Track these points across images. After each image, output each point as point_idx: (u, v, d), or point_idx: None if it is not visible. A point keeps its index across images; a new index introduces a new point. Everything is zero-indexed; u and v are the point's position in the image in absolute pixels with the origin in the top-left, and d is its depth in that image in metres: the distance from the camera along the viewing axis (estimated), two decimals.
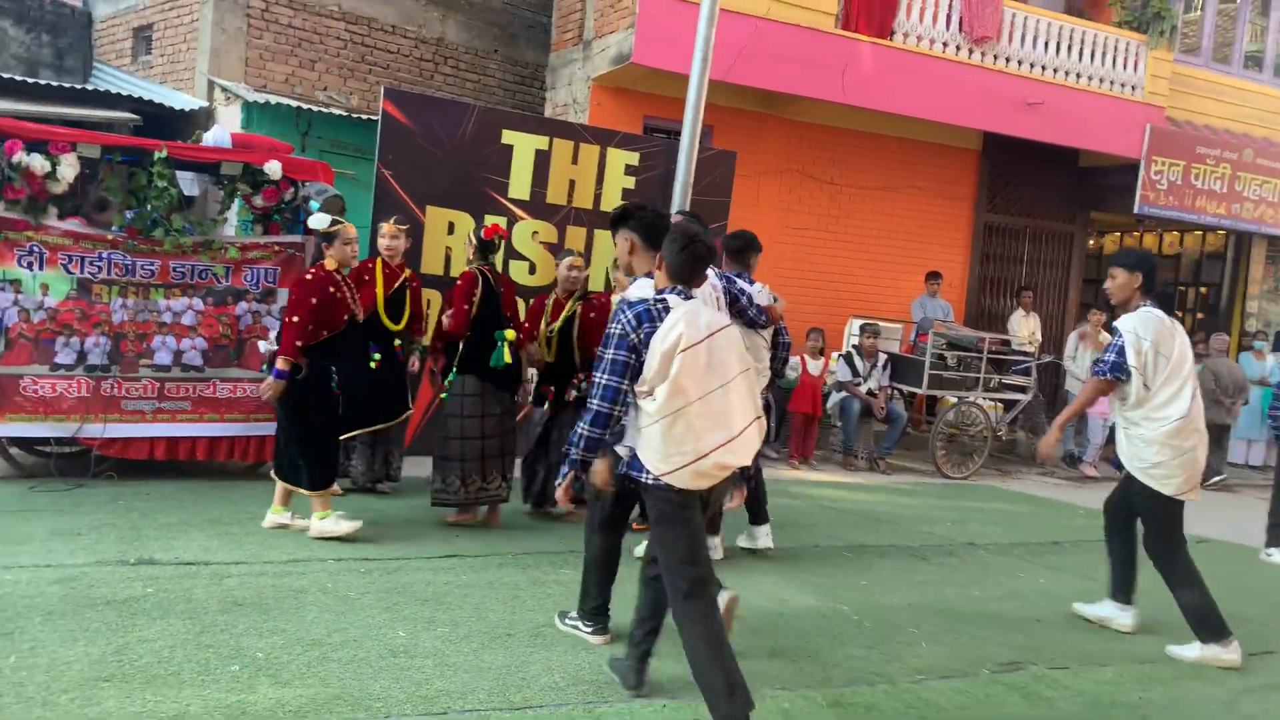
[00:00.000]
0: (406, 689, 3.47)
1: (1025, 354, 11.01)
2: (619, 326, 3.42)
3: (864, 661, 4.21)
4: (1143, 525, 4.89)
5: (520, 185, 7.95)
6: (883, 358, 9.68)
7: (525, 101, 11.92)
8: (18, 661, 3.39)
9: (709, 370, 3.30)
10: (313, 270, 5.30)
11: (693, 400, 3.27)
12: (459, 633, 4.05)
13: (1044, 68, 11.37)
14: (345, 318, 5.33)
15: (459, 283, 5.81)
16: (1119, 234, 14.93)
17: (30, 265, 5.84)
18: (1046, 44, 11.39)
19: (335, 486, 5.69)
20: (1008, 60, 11.18)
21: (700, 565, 3.38)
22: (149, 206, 6.03)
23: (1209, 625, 4.64)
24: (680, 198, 8.22)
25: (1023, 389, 10.48)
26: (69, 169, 5.73)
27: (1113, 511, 5.11)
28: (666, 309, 3.39)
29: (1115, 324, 4.87)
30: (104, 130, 8.54)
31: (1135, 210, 12.04)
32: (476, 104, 9.04)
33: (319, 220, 5.28)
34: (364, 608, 4.24)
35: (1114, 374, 4.77)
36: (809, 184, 11.43)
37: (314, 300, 5.11)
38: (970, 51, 10.98)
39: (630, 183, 8.43)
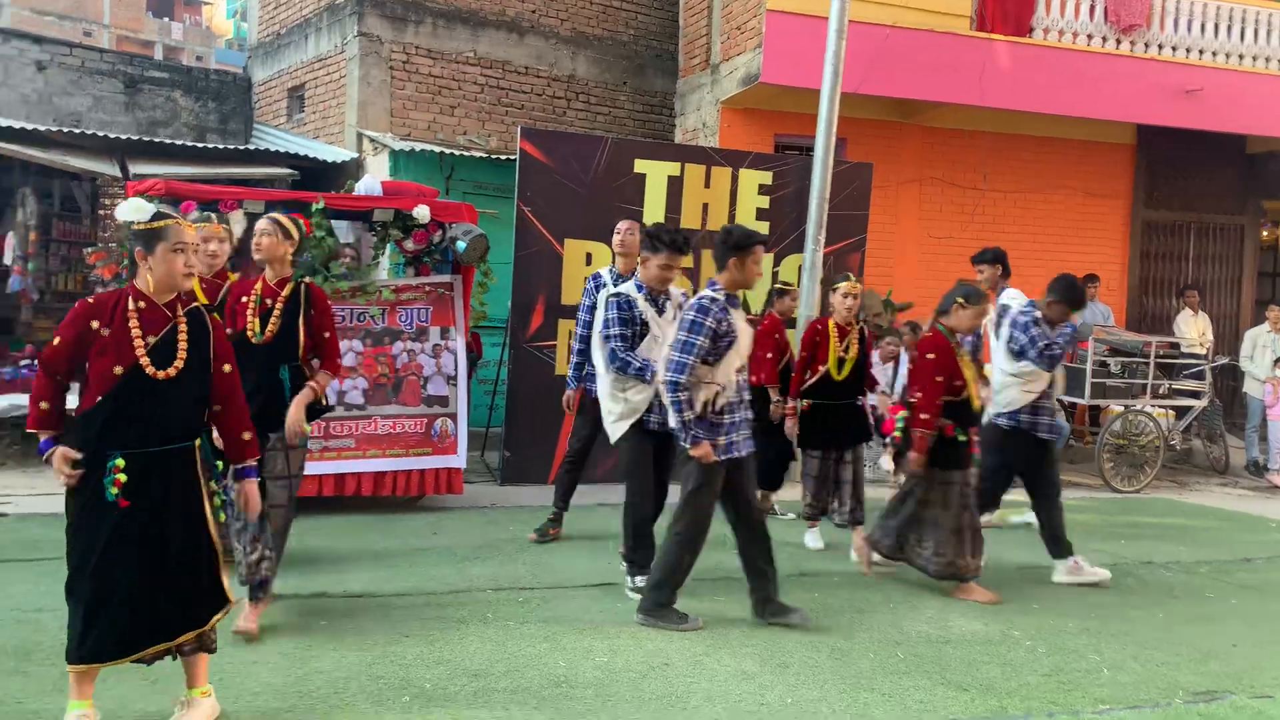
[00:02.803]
0: (570, 719, 3.49)
1: (1196, 356, 10.30)
2: None
3: (1041, 690, 3.99)
4: None
5: (654, 212, 8.03)
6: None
7: (655, 129, 12.05)
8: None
9: None
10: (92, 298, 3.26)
11: None
12: (618, 662, 4.06)
13: (1201, 52, 10.71)
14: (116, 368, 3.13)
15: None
16: None
17: None
18: (1203, 26, 10.73)
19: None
20: (1160, 47, 10.59)
21: None
22: (309, 255, 6.36)
23: None
24: (816, 214, 8.12)
25: (1196, 394, 9.81)
26: (237, 225, 6.12)
27: None
28: None
29: None
30: (266, 186, 9.11)
31: None
32: (609, 136, 9.20)
33: (132, 209, 3.25)
34: (524, 637, 4.30)
35: None
36: (950, 191, 11.09)
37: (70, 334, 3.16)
38: (1118, 42, 10.45)
39: (764, 202, 8.41)
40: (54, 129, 9.72)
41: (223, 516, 3.35)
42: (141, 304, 3.16)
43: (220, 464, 3.37)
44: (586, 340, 5.64)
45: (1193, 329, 11.07)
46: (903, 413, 5.32)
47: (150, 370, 3.10)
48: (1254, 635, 4.83)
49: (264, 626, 4.23)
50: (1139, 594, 5.52)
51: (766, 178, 8.40)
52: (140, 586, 3.11)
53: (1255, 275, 12.61)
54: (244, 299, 4.35)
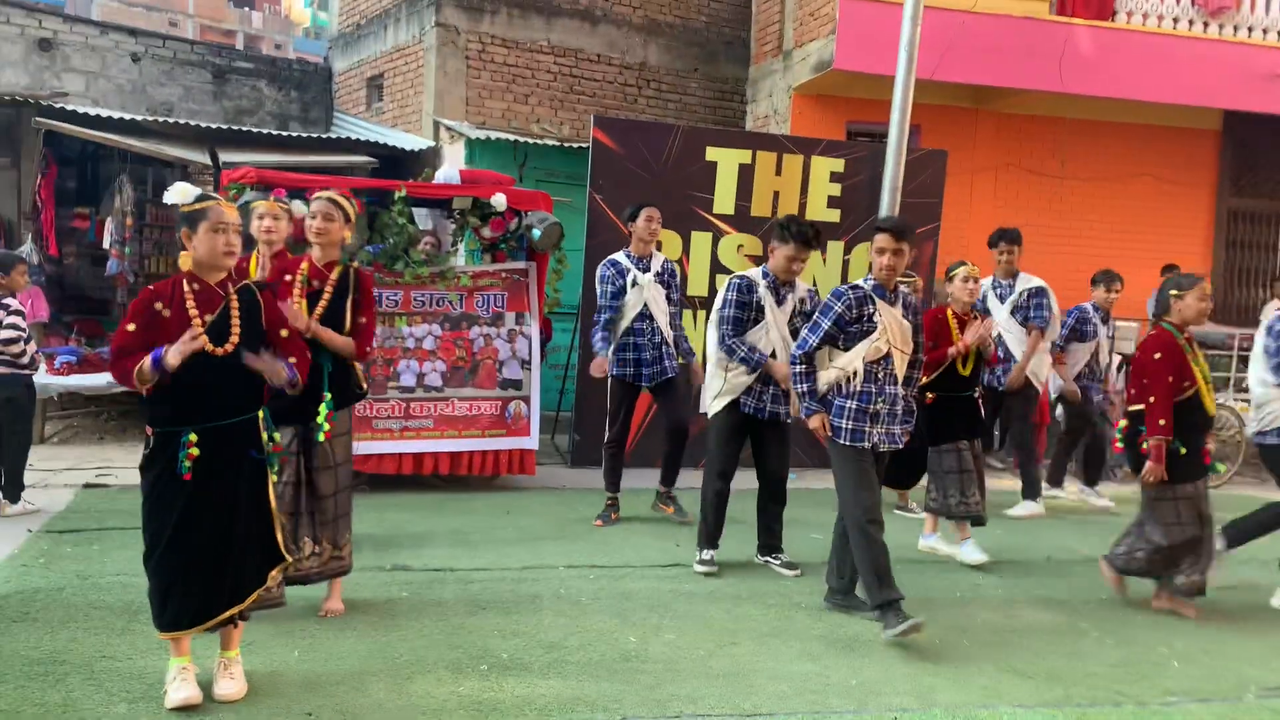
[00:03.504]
0: (640, 692, 3.63)
1: None
2: None
3: (1107, 680, 4.00)
4: None
5: (725, 200, 8.09)
6: (1117, 359, 9.08)
7: (726, 117, 12.08)
8: (300, 655, 3.81)
9: None
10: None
11: None
12: (686, 639, 4.18)
13: None
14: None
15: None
16: None
17: None
18: None
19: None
20: (1250, 30, 10.26)
21: None
22: (391, 241, 6.59)
23: None
24: (889, 201, 8.09)
25: None
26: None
27: None
28: None
29: None
30: (345, 173, 9.40)
31: None
32: (680, 124, 9.27)
33: (178, 193, 3.41)
34: (596, 613, 4.45)
35: None
36: (1027, 178, 10.91)
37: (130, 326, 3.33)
38: (1205, 25, 10.16)
39: (836, 190, 8.40)
40: (148, 118, 10.15)
41: (274, 478, 3.51)
42: (195, 285, 3.34)
43: (277, 435, 3.55)
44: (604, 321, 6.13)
45: None
46: (1124, 422, 5.04)
47: (210, 348, 3.28)
48: None
49: (351, 596, 4.44)
50: (1216, 589, 5.45)
51: (838, 165, 8.40)
52: (213, 557, 3.32)
53: None
54: (288, 278, 4.13)
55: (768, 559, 5.38)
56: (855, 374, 4.39)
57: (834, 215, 8.33)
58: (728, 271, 7.85)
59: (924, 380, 5.66)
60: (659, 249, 6.41)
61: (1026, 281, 7.23)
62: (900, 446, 4.56)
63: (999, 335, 6.90)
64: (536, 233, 6.80)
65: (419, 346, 6.68)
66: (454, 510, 6.27)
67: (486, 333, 6.83)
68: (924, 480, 6.67)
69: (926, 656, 4.14)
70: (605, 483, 6.27)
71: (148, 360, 3.20)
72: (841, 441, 4.42)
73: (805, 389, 4.49)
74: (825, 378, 4.46)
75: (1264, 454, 5.50)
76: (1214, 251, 11.55)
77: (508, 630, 4.17)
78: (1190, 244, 11.39)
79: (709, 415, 5.32)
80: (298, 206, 6.30)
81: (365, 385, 4.39)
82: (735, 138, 8.69)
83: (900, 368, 4.47)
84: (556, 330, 8.48)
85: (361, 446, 6.47)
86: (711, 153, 8.13)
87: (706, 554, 5.20)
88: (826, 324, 4.43)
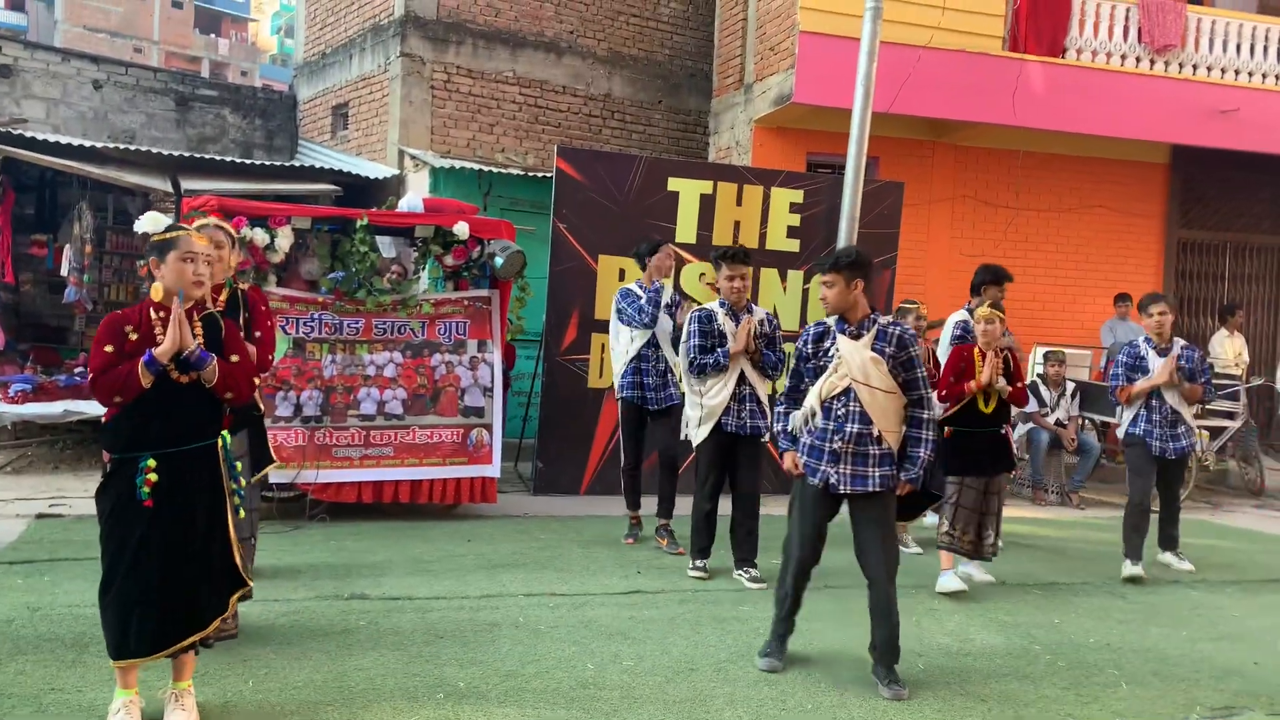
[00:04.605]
0: (597, 719, 3.63)
1: (1232, 377, 10.26)
2: None
3: (1059, 703, 4.06)
4: None
5: (687, 229, 8.19)
6: (1070, 386, 9.26)
7: (689, 148, 12.23)
8: (254, 685, 3.78)
9: None
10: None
11: None
12: (644, 666, 4.19)
13: (1236, 72, 10.71)
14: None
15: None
16: None
17: None
18: (1238, 47, 10.73)
19: None
20: (1195, 68, 10.61)
21: None
22: (353, 270, 6.60)
23: None
24: (847, 232, 8.23)
25: (1231, 414, 9.76)
26: (285, 240, 6.36)
27: None
28: None
29: None
30: (309, 202, 9.40)
31: None
32: (643, 155, 9.38)
33: (149, 221, 3.62)
34: (554, 640, 4.45)
35: None
36: (983, 210, 11.15)
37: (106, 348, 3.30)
38: (1152, 62, 10.48)
39: (795, 220, 8.53)
40: (109, 145, 10.09)
41: (242, 513, 3.55)
42: (161, 313, 3.35)
43: (239, 464, 3.58)
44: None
45: (1229, 349, 11.00)
46: None
47: (174, 375, 3.30)
48: (1276, 655, 4.86)
49: (308, 625, 4.42)
50: (1164, 613, 5.56)
51: (798, 196, 8.54)
52: (170, 585, 3.30)
53: None
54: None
55: (739, 572, 5.57)
56: (815, 412, 4.26)
57: (794, 245, 8.46)
58: (691, 299, 7.95)
59: (945, 415, 5.76)
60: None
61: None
62: (875, 490, 4.15)
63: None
64: (499, 260, 6.85)
65: (380, 374, 6.67)
66: (413, 538, 6.25)
67: (448, 360, 6.84)
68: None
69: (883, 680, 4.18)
70: (627, 502, 6.55)
71: (140, 364, 3.23)
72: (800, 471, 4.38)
73: (780, 428, 4.47)
74: (795, 417, 4.41)
75: None
76: (1164, 281, 11.83)
77: (465, 659, 4.16)
78: (1142, 274, 11.67)
79: (694, 444, 5.60)
80: (259, 235, 6.32)
81: (263, 406, 4.49)
82: (697, 168, 8.81)
83: (871, 404, 4.14)
84: (520, 357, 8.52)
85: (322, 475, 6.45)
86: (673, 183, 8.24)
87: (700, 562, 5.62)
88: (796, 364, 4.41)
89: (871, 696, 3.99)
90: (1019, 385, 5.89)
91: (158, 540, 3.28)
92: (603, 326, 7.96)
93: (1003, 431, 5.92)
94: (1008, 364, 5.83)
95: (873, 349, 4.17)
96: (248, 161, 10.87)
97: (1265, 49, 10.80)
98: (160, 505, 3.27)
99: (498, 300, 7.08)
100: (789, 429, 4.42)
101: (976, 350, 5.81)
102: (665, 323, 6.29)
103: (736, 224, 8.38)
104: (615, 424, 7.92)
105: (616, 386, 6.43)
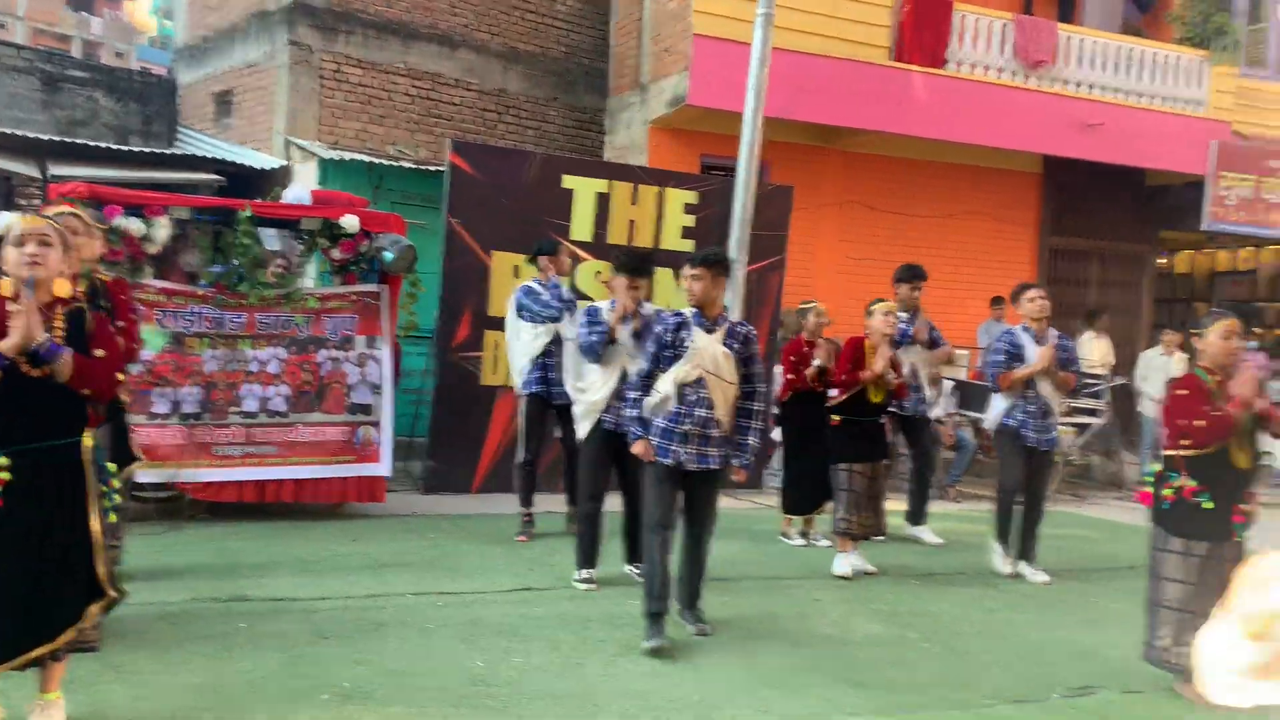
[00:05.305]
0: (485, 716, 3.63)
1: (1096, 377, 10.85)
2: None
3: (934, 687, 4.24)
4: None
5: (582, 227, 8.21)
6: (949, 385, 9.64)
7: (584, 146, 12.24)
8: (126, 691, 3.63)
9: None
10: None
11: None
12: (534, 663, 4.20)
13: (1103, 88, 11.33)
14: None
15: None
16: (1190, 251, 14.64)
17: None
18: (1104, 64, 11.35)
19: None
20: (1065, 83, 11.17)
21: None
22: (235, 263, 6.39)
23: None
24: (739, 234, 8.38)
25: (1095, 412, 10.33)
26: (163, 231, 6.12)
27: None
28: None
29: None
30: (189, 191, 9.05)
31: (1204, 227, 11.86)
32: (537, 151, 9.36)
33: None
34: (443, 639, 4.42)
35: None
36: (869, 215, 11.50)
37: None
38: (1026, 76, 11.00)
39: (690, 221, 8.64)
40: None
41: (113, 517, 3.39)
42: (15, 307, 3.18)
43: (113, 466, 3.44)
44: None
45: (1094, 351, 11.63)
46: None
47: (25, 369, 3.13)
48: (1133, 638, 5.17)
49: (185, 628, 4.28)
50: (1032, 600, 5.85)
51: (692, 197, 8.65)
52: (23, 590, 3.13)
53: (1152, 301, 13.31)
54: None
55: (628, 567, 5.62)
56: (668, 397, 4.59)
57: (688, 245, 8.54)
58: (586, 298, 7.96)
59: (834, 403, 6.09)
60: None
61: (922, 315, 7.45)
62: (715, 468, 4.62)
63: (912, 367, 7.09)
64: (389, 255, 6.73)
65: (263, 370, 6.48)
66: (298, 539, 6.09)
67: (335, 356, 6.69)
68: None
69: (768, 670, 4.29)
70: (520, 499, 6.47)
71: None
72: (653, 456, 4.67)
73: (633, 414, 4.72)
74: (648, 402, 4.68)
75: None
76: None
77: (351, 659, 4.09)
78: (1017, 278, 12.06)
79: (580, 440, 5.54)
80: (135, 225, 6.06)
81: (127, 399, 4.36)
82: (592, 167, 8.83)
83: (716, 393, 4.54)
84: (412, 354, 8.38)
85: (202, 473, 6.24)
86: (569, 180, 8.24)
87: (584, 573, 5.43)
88: (652, 349, 4.71)
89: (758, 686, 4.10)
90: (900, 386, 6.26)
91: (7, 543, 3.11)
92: (497, 324, 7.90)
93: (881, 421, 6.22)
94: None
95: (724, 344, 4.59)
96: (123, 148, 10.40)
97: (1129, 67, 11.46)
98: (12, 506, 3.11)
99: (387, 296, 6.95)
100: (641, 415, 4.67)
101: (869, 343, 6.09)
102: (568, 319, 6.26)
103: (632, 223, 8.43)
104: (508, 422, 7.89)
105: (519, 383, 6.39)
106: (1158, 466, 4.50)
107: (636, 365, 4.89)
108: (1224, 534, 4.24)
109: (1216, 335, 4.37)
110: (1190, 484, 4.26)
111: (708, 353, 4.55)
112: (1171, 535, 4.34)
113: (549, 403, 6.34)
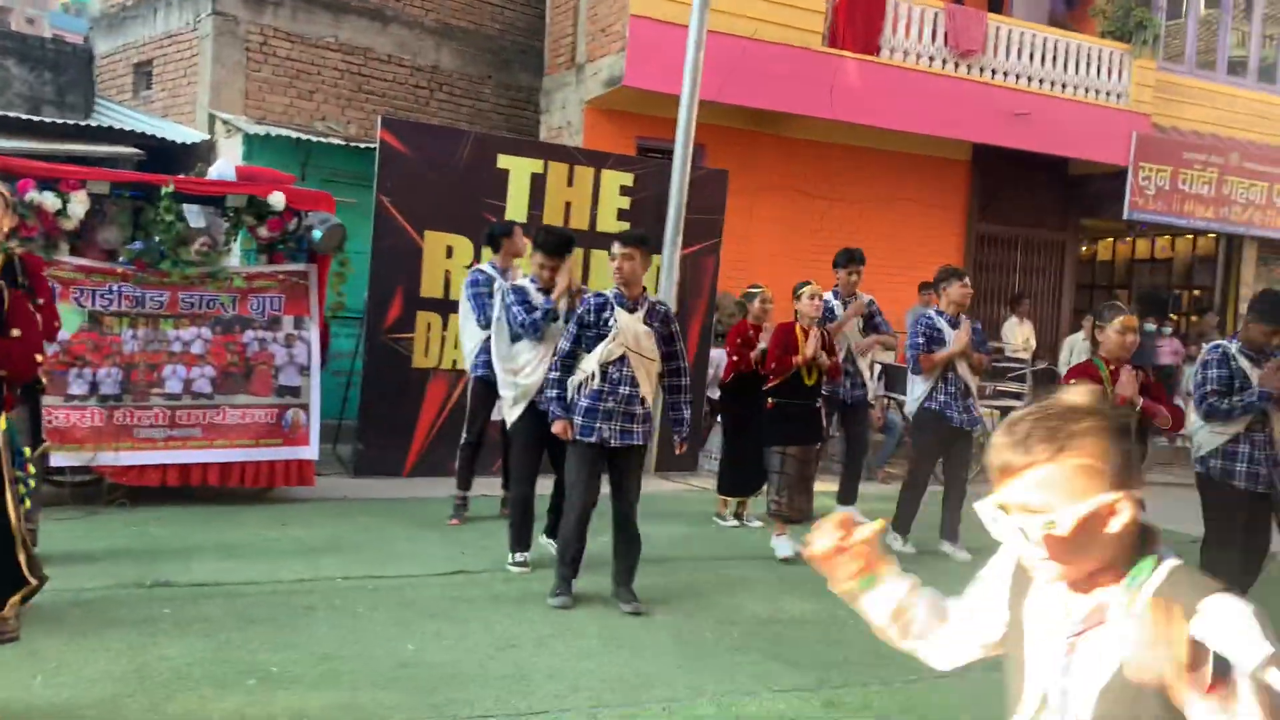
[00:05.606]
0: (416, 698, 3.61)
1: (1020, 361, 11.16)
2: None
3: (859, 663, 4.34)
4: None
5: (517, 208, 8.13)
6: (877, 368, 9.81)
7: (520, 125, 12.12)
8: (44, 679, 3.53)
9: None
10: None
11: None
12: (466, 644, 4.19)
13: (1030, 79, 11.57)
14: None
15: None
16: (1110, 240, 15.10)
17: None
18: (1031, 55, 11.59)
19: None
20: (993, 73, 11.38)
21: None
22: (156, 240, 6.20)
23: None
24: (675, 217, 8.40)
25: (1018, 395, 10.62)
26: (79, 206, 5.90)
27: None
28: None
29: None
30: (108, 165, 8.73)
31: (1124, 216, 12.23)
32: (472, 130, 9.25)
33: None
34: (374, 623, 4.38)
35: None
36: (803, 199, 11.61)
37: None
38: (956, 65, 11.18)
39: (625, 203, 8.62)
40: None
41: (28, 503, 3.29)
42: None
43: (27, 450, 3.33)
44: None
45: (1018, 335, 11.96)
46: None
47: None
48: None
49: (105, 614, 4.16)
50: (955, 577, 5.98)
51: (628, 179, 8.63)
52: None
53: (1075, 287, 13.70)
54: None
55: (544, 539, 5.65)
56: (593, 376, 4.72)
57: (624, 227, 8.53)
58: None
59: (769, 386, 6.15)
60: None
61: (863, 298, 7.50)
62: (638, 444, 4.81)
63: (847, 349, 7.13)
64: (318, 234, 6.60)
65: (186, 350, 6.31)
66: (223, 523, 5.96)
67: (261, 336, 6.54)
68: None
69: (699, 649, 4.35)
70: (458, 481, 6.42)
71: None
72: (574, 436, 4.78)
73: (554, 395, 4.83)
74: (571, 381, 4.80)
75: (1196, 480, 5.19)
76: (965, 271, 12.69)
77: (279, 643, 4.03)
78: (946, 263, 12.44)
79: (508, 423, 5.49)
80: (49, 199, 5.84)
81: (45, 380, 4.24)
82: (527, 147, 8.76)
83: (640, 370, 4.75)
84: (342, 335, 8.24)
85: (122, 457, 6.07)
86: (504, 160, 8.15)
87: (519, 556, 5.42)
88: (573, 329, 4.83)
89: (689, 665, 4.14)
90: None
91: None
92: (429, 305, 7.82)
93: (817, 405, 6.27)
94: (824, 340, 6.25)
95: (645, 323, 4.79)
96: (36, 119, 9.98)
97: (1054, 59, 11.72)
98: None
99: (315, 275, 6.82)
100: (562, 395, 4.80)
101: (799, 327, 6.16)
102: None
103: (568, 204, 8.39)
104: (440, 405, 7.82)
105: (470, 365, 6.32)
106: None
107: (558, 345, 4.96)
108: None
109: (1114, 330, 4.79)
110: None
111: (630, 331, 4.74)
112: None
113: (495, 386, 6.27)
